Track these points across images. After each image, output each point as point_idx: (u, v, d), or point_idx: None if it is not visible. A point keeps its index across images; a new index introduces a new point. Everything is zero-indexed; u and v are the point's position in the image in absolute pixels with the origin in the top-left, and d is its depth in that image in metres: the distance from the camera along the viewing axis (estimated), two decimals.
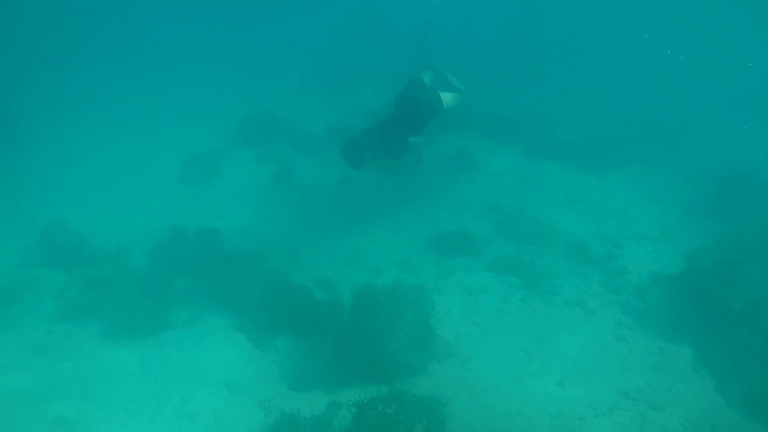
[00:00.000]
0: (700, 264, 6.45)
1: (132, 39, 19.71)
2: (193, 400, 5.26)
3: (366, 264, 7.30)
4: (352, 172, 6.38)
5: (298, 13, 21.99)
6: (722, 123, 12.38)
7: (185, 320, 6.30)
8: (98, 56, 17.82)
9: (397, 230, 8.19)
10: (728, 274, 5.98)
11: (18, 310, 6.63)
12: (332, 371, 5.35)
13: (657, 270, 7.08)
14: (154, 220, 8.54)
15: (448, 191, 9.36)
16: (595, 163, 10.38)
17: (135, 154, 11.38)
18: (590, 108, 12.89)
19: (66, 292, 6.88)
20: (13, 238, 8.08)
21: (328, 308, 5.97)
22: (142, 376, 5.58)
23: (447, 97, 6.65)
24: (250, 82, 15.81)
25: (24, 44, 18.10)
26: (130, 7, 21.26)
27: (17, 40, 18.00)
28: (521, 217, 8.33)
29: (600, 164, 10.34)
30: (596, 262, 7.43)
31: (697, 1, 16.57)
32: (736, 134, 11.97)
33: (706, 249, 6.84)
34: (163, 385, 5.45)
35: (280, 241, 7.61)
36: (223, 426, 4.96)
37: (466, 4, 8.30)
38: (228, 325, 6.20)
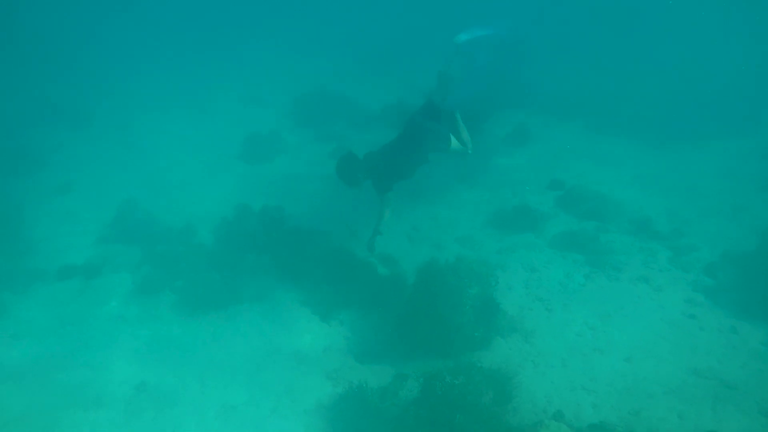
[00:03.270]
0: None
1: (190, 20, 20.26)
2: (264, 371, 5.49)
3: (427, 240, 7.34)
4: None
5: None
6: None
7: (253, 294, 6.54)
8: (157, 39, 18.41)
9: (456, 206, 8.18)
10: None
11: (98, 283, 7.07)
12: (397, 344, 5.44)
13: (729, 247, 6.77)
14: (219, 199, 8.87)
15: (507, 166, 9.25)
16: (662, 137, 10.00)
17: (196, 133, 11.79)
18: (657, 81, 12.35)
19: (141, 267, 7.27)
20: (91, 217, 8.60)
21: (391, 283, 6.07)
22: (215, 347, 5.86)
23: (454, 142, 6.46)
24: (305, 59, 15.98)
25: (87, 31, 18.94)
26: None
27: (85, 31, 18.86)
28: (583, 192, 8.13)
29: (667, 139, 9.94)
30: (663, 238, 7.19)
31: None
32: None
33: None
34: (235, 356, 5.70)
35: (341, 218, 7.74)
36: (293, 395, 5.16)
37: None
38: (294, 299, 6.40)
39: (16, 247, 7.69)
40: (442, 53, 6.90)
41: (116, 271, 7.29)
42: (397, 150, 6.15)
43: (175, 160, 10.60)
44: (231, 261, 7.00)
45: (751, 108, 10.39)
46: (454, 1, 17.69)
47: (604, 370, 5.11)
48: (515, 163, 9.42)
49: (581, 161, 9.42)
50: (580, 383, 4.99)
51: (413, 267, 6.02)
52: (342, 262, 6.39)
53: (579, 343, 5.48)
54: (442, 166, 8.93)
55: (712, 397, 4.71)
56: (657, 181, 8.73)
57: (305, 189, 9.04)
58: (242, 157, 10.39)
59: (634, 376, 5.01)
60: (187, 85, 14.72)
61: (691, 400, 4.68)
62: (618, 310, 5.90)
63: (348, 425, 4.70)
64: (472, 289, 5.36)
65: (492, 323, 5.43)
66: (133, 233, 7.95)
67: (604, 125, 10.53)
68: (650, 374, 5.01)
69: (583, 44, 14.95)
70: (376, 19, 19.13)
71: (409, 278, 6.04)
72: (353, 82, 13.37)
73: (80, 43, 17.78)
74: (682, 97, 10.92)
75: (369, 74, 14.26)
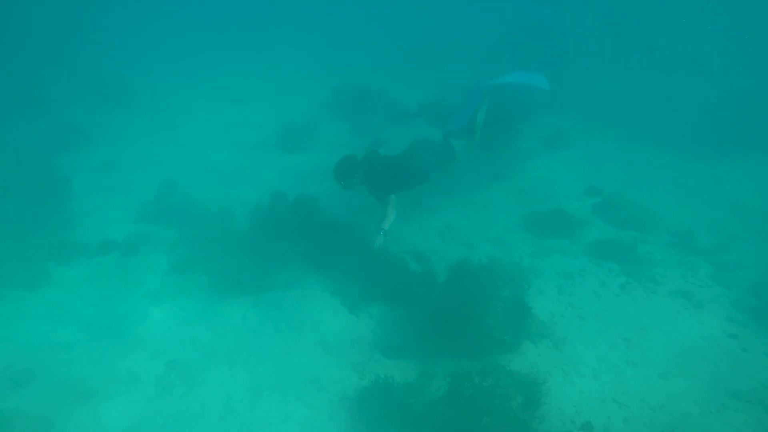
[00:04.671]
0: None
1: (232, 9, 20.58)
2: (291, 358, 5.52)
3: (459, 239, 7.27)
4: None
5: None
6: None
7: (284, 282, 6.58)
8: (200, 26, 18.76)
9: (490, 207, 8.08)
10: None
11: (135, 261, 7.23)
12: (425, 341, 5.40)
13: None
14: (254, 185, 8.96)
15: (544, 170, 9.09)
16: (707, 148, 9.66)
17: (235, 119, 11.96)
18: (703, 88, 11.96)
19: (176, 248, 7.40)
20: (131, 195, 8.80)
21: (421, 280, 6.02)
22: (244, 331, 5.93)
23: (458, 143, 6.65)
24: (342, 53, 16.05)
25: (137, 15, 19.45)
26: None
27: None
28: (622, 201, 7.92)
29: (713, 150, 9.60)
30: (705, 253, 6.95)
31: None
32: None
33: None
34: (263, 341, 5.76)
35: (374, 212, 7.73)
36: (318, 384, 5.18)
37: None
38: (324, 289, 6.42)
39: (62, 219, 7.95)
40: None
41: (153, 250, 7.44)
42: (396, 162, 6.25)
43: (213, 145, 10.78)
44: (263, 247, 7.05)
45: None
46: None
47: (638, 385, 4.96)
48: (552, 167, 9.25)
49: (620, 169, 9.19)
50: (612, 396, 4.87)
51: (444, 265, 5.97)
52: (373, 255, 6.37)
53: (612, 355, 5.34)
54: (477, 164, 8.87)
55: (756, 422, 4.50)
56: (700, 193, 8.46)
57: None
58: (279, 146, 10.48)
59: (668, 393, 4.86)
60: (227, 71, 14.98)
61: (731, 423, 4.50)
62: (654, 324, 5.72)
63: (372, 419, 4.68)
64: (505, 291, 5.29)
65: (522, 327, 5.34)
66: (171, 214, 8.11)
67: (646, 133, 10.27)
68: (687, 392, 4.85)
69: (625, 49, 14.62)
70: (414, 15, 19.09)
71: (440, 276, 5.99)
72: (390, 78, 13.35)
73: (129, 27, 18.28)
74: (730, 106, 10.52)
75: (406, 70, 14.22)
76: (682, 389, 4.90)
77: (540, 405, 4.42)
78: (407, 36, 16.33)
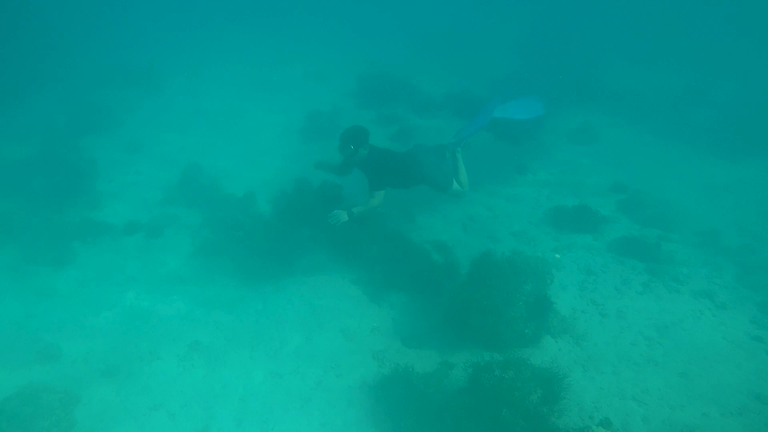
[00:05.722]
0: None
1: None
2: (311, 344, 5.59)
3: (482, 231, 7.25)
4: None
5: None
6: None
7: (306, 268, 6.64)
8: (230, 15, 18.85)
9: (513, 199, 8.03)
10: None
11: (160, 243, 7.35)
12: (445, 332, 5.43)
13: None
14: (279, 171, 9.02)
15: (569, 165, 8.99)
16: (737, 147, 9.47)
17: (260, 106, 12.01)
18: (733, 85, 11.71)
19: (201, 231, 7.50)
20: (157, 177, 8.91)
21: (443, 270, 6.03)
22: (266, 315, 6.00)
23: (456, 185, 6.60)
24: (369, 43, 16.01)
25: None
26: None
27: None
28: (648, 198, 7.84)
29: (743, 149, 9.40)
30: (731, 253, 6.85)
31: None
32: None
33: None
34: (285, 326, 5.83)
35: (397, 202, 7.75)
36: (338, 370, 5.24)
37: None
38: (345, 278, 6.47)
39: (88, 199, 8.09)
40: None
41: (177, 232, 7.55)
42: (396, 158, 6.23)
43: (239, 130, 10.85)
44: (287, 233, 7.10)
45: None
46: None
47: (658, 383, 4.93)
48: (578, 162, 9.15)
49: (647, 165, 9.06)
50: (631, 393, 4.84)
51: (467, 256, 5.96)
52: (396, 245, 6.39)
53: (632, 352, 5.30)
54: (501, 157, 8.81)
55: None
56: (728, 192, 8.32)
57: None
58: (303, 133, 10.51)
59: (689, 393, 4.82)
60: (252, 58, 15.05)
61: (753, 426, 4.45)
62: (676, 323, 5.67)
63: (391, 407, 4.73)
64: (527, 285, 5.27)
65: (543, 321, 5.33)
66: (196, 197, 8.20)
67: (673, 130, 10.09)
68: (707, 393, 4.81)
69: (656, 43, 14.37)
70: (441, 5, 18.95)
71: (463, 267, 5.99)
72: (416, 68, 13.26)
73: (155, 11, 18.45)
74: (759, 105, 10.27)
75: (432, 61, 14.13)
76: (703, 389, 4.86)
77: (559, 399, 4.42)
78: (433, 26, 16.23)
